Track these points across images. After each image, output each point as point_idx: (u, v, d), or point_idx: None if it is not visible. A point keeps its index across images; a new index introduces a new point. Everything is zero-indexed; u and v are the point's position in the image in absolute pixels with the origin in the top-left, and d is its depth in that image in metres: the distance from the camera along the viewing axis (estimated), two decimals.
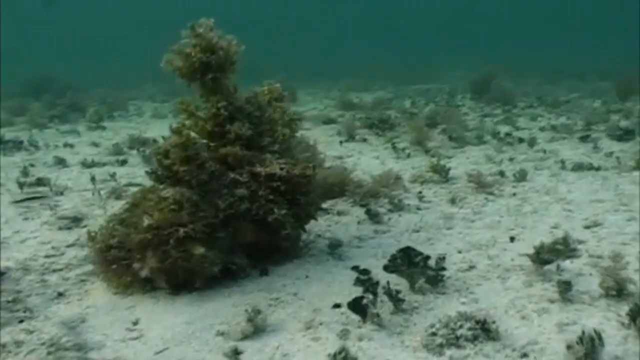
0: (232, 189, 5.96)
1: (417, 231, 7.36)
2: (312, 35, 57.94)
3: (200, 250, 5.50)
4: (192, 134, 5.66)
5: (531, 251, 5.91)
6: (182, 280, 5.71)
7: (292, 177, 6.09)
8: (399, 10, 67.06)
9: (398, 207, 8.33)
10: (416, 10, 67.21)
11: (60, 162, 12.24)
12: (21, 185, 9.63)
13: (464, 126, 15.12)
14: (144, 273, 5.54)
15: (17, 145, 14.44)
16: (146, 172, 6.40)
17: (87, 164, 11.80)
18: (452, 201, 8.73)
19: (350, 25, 61.38)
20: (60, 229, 7.76)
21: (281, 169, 6.08)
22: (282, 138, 6.42)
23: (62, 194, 9.56)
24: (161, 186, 5.91)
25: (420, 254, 5.49)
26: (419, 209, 8.43)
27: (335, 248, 6.70)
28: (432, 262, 5.59)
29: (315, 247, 6.89)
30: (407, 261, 5.48)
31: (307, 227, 7.00)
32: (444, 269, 5.62)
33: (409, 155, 12.21)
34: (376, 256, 6.53)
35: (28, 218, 8.34)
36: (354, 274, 5.32)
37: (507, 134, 13.95)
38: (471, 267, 6.08)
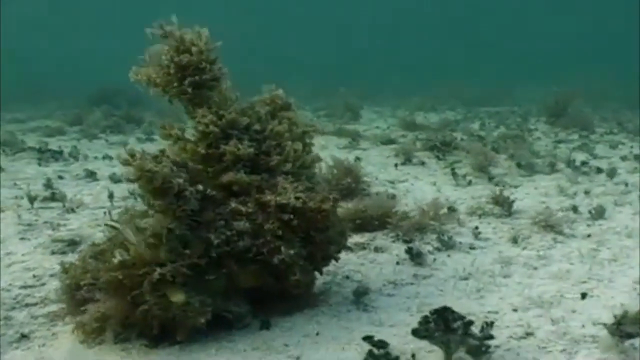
0: (231, 221, 4.83)
1: (466, 278, 6.05)
2: (384, 50, 56.82)
3: (178, 297, 4.38)
4: (149, 163, 4.51)
5: (609, 317, 4.56)
6: (160, 332, 4.60)
7: (307, 210, 4.91)
8: (477, 28, 65.25)
9: (447, 245, 7.05)
10: (495, 29, 65.20)
11: (90, 175, 11.42)
12: (32, 199, 8.77)
13: (535, 152, 13.63)
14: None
15: (56, 155, 13.78)
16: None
17: (115, 179, 10.90)
18: (514, 240, 7.37)
19: (426, 43, 59.90)
20: (53, 253, 6.81)
21: (296, 198, 4.91)
22: (294, 155, 5.23)
23: (73, 210, 8.65)
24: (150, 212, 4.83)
25: (461, 317, 4.21)
26: (472, 248, 7.12)
27: (361, 296, 5.48)
28: (476, 327, 4.31)
29: (337, 292, 5.68)
30: (443, 325, 4.22)
31: (332, 266, 5.85)
32: (491, 337, 4.32)
33: (469, 183, 10.85)
34: (410, 310, 5.28)
35: (25, 238, 7.43)
36: (376, 332, 4.10)
37: (584, 163, 12.44)
38: (528, 335, 4.75)
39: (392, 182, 11.04)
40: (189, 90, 5.14)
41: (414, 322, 4.67)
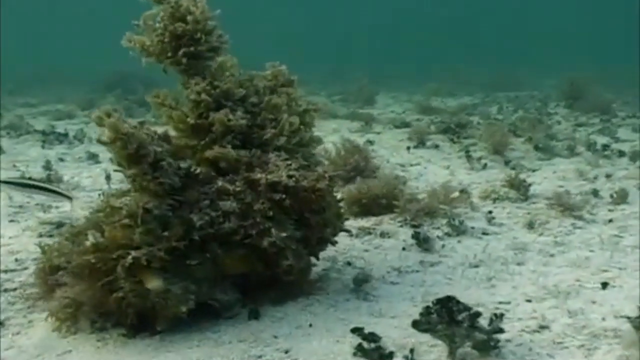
0: (217, 200, 4.42)
1: (477, 266, 5.61)
2: (400, 36, 56.06)
3: (155, 283, 3.98)
4: (126, 125, 4.11)
5: (632, 309, 4.11)
6: (139, 321, 4.22)
7: (300, 189, 4.49)
8: (492, 12, 64.14)
9: (458, 230, 6.60)
10: (513, 12, 64.11)
11: (92, 158, 11.07)
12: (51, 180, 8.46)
13: (554, 135, 13.10)
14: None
15: (60, 137, 13.45)
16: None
17: None
18: (530, 226, 6.91)
19: (440, 27, 58.99)
20: (40, 235, 6.44)
21: (289, 176, 4.49)
22: (288, 128, 4.79)
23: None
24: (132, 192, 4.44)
25: (467, 308, 3.78)
26: (485, 234, 6.66)
27: (361, 283, 5.06)
28: (485, 319, 3.88)
29: (336, 280, 5.26)
30: (446, 317, 3.79)
31: (333, 251, 5.45)
32: (501, 330, 3.89)
33: (485, 166, 10.36)
34: (413, 300, 4.86)
35: (15, 220, 7.08)
36: (376, 324, 3.69)
37: (605, 146, 11.88)
38: (542, 328, 4.30)
39: (403, 166, 10.59)
40: (183, 60, 4.78)
41: (418, 313, 4.28)
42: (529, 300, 4.80)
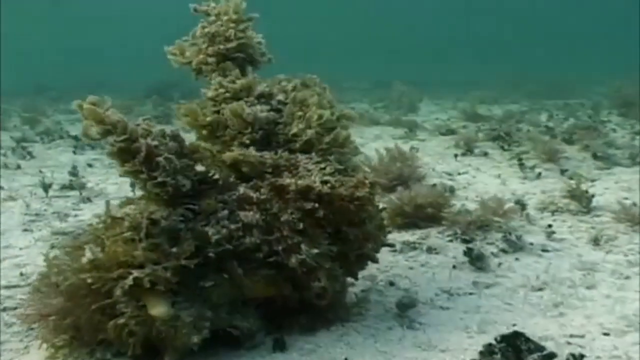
0: (237, 210, 3.77)
1: (540, 289, 4.85)
2: (445, 43, 55.17)
3: (159, 309, 3.33)
4: (110, 114, 3.49)
5: None
6: (143, 350, 3.58)
7: (336, 198, 3.81)
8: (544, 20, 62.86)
9: (515, 246, 5.85)
10: (559, 17, 62.74)
11: None
12: (46, 187, 7.92)
13: (612, 143, 12.19)
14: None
15: (92, 143, 12.99)
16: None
17: None
18: (595, 242, 6.12)
19: (490, 34, 57.97)
20: (53, 247, 5.87)
21: (324, 182, 3.82)
22: (316, 121, 4.11)
23: (89, 200, 7.75)
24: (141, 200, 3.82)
25: (539, 347, 3.05)
26: (545, 250, 5.89)
27: (406, 308, 4.35)
28: None
29: (376, 304, 4.56)
30: (513, 357, 3.07)
31: (374, 269, 4.77)
32: None
33: (539, 175, 9.54)
34: (468, 329, 4.12)
35: (29, 229, 6.54)
36: (424, 359, 3.01)
37: None
38: None
39: (450, 174, 9.83)
40: (209, 60, 4.26)
41: (474, 347, 3.57)
42: (606, 334, 4.03)
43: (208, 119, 4.12)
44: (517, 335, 3.10)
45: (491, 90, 27.68)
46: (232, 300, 3.77)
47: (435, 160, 11.15)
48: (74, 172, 9.38)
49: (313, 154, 4.00)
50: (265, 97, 4.24)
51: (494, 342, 3.11)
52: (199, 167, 3.77)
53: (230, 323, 3.77)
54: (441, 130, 14.94)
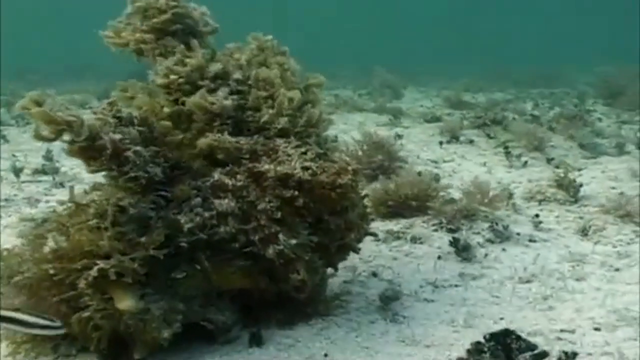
0: (211, 198, 3.55)
1: (529, 281, 4.68)
2: (428, 32, 54.92)
3: (126, 302, 3.11)
4: (62, 113, 3.22)
5: None
6: (110, 346, 3.36)
7: (317, 185, 3.60)
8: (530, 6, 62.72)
9: (502, 236, 5.67)
10: (543, 8, 62.63)
11: None
12: (17, 172, 7.64)
13: (598, 132, 12.08)
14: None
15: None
16: None
17: None
18: (583, 232, 5.96)
19: (468, 24, 57.76)
20: (21, 235, 5.62)
21: (304, 168, 3.61)
22: (288, 105, 3.87)
23: (62, 185, 7.49)
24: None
25: (530, 347, 2.87)
26: (532, 240, 5.73)
27: (390, 301, 4.16)
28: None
29: (359, 295, 4.38)
30: (503, 356, 2.89)
31: (356, 258, 4.58)
32: None
33: (525, 164, 9.38)
34: (454, 322, 3.94)
35: None
36: (407, 354, 2.79)
37: None
38: None
39: (435, 162, 9.64)
40: (146, 37, 3.91)
41: (461, 342, 3.39)
42: (597, 329, 3.87)
43: (167, 110, 3.84)
44: (507, 333, 2.92)
45: (477, 78, 27.55)
46: (206, 293, 3.56)
47: (420, 147, 10.95)
48: (48, 157, 9.07)
49: (292, 137, 3.77)
50: (221, 78, 3.92)
51: (482, 340, 2.93)
52: (171, 154, 3.54)
53: (204, 316, 3.58)
54: (426, 118, 14.74)
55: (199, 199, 3.48)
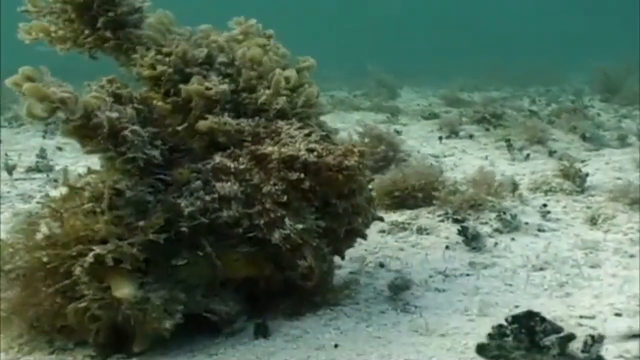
0: (213, 181, 3.37)
1: (542, 269, 4.51)
2: (421, 32, 54.79)
3: (125, 290, 2.93)
4: (55, 89, 3.02)
5: None
6: (109, 338, 3.18)
7: (324, 167, 3.42)
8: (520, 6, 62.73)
9: (510, 226, 5.51)
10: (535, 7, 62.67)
11: None
12: (10, 169, 7.46)
13: (599, 125, 11.95)
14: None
15: None
16: None
17: None
18: (592, 221, 5.80)
19: (461, 23, 57.73)
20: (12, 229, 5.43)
21: (309, 150, 3.43)
22: (284, 85, 3.69)
23: (56, 182, 7.31)
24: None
25: (556, 328, 2.70)
26: (541, 230, 5.56)
27: (400, 290, 3.99)
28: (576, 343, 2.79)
29: (368, 286, 4.20)
30: (527, 341, 2.71)
31: (361, 248, 4.40)
32: (600, 358, 2.79)
33: (527, 157, 9.23)
34: (468, 311, 3.77)
35: None
36: (422, 344, 2.61)
37: None
38: None
39: (436, 157, 9.48)
40: (107, 34, 3.65)
41: (476, 331, 3.22)
42: (618, 314, 3.70)
43: (160, 104, 3.63)
44: (530, 315, 2.75)
45: (471, 78, 27.46)
46: (209, 281, 3.38)
47: (420, 143, 10.82)
48: (42, 155, 8.90)
49: (293, 119, 3.60)
50: (206, 63, 3.73)
51: (504, 322, 2.76)
52: (170, 137, 3.37)
53: (207, 307, 3.40)
54: (424, 115, 14.63)
55: (199, 182, 3.30)
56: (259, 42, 3.85)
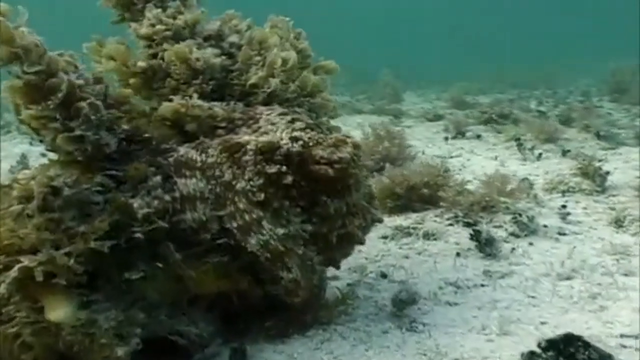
0: (174, 177, 2.79)
1: (569, 278, 3.91)
2: (424, 37, 54.38)
3: (60, 312, 2.35)
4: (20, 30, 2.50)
5: None
6: None
7: (310, 159, 2.84)
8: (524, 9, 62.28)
9: (527, 229, 4.91)
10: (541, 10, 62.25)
11: None
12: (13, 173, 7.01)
13: (613, 124, 11.37)
14: None
15: None
16: None
17: None
18: (617, 223, 5.21)
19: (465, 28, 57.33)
20: None
21: (293, 139, 2.85)
22: (281, 67, 3.13)
23: None
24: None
25: (604, 356, 2.11)
26: (561, 234, 4.97)
27: (405, 306, 3.40)
28: None
29: (368, 300, 3.61)
30: None
31: (360, 256, 3.83)
32: None
33: (539, 157, 8.63)
34: (486, 329, 3.18)
35: None
36: None
37: None
38: None
39: (442, 157, 8.88)
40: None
41: (497, 354, 2.63)
42: None
43: (141, 64, 3.13)
44: (570, 339, 2.16)
45: (475, 82, 26.94)
46: (174, 299, 2.80)
47: (425, 143, 10.26)
48: (22, 161, 8.40)
49: (276, 105, 3.03)
50: (214, 39, 3.26)
51: (537, 348, 2.17)
52: (125, 125, 2.80)
53: (172, 329, 2.80)
54: (428, 117, 14.09)
55: (158, 179, 2.72)
56: (280, 33, 3.31)
